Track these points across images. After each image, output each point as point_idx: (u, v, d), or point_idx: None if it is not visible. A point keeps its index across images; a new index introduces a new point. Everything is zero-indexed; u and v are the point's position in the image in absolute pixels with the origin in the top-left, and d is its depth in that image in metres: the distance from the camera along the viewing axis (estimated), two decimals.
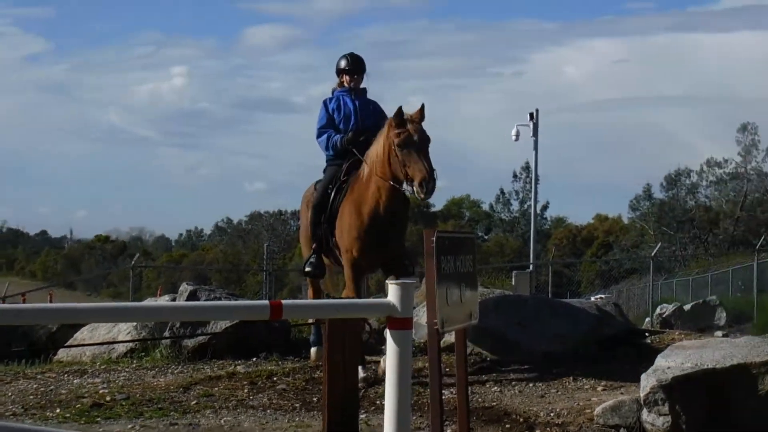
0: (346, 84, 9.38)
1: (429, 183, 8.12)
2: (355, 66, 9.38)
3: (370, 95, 9.54)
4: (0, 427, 4.58)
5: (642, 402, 6.92)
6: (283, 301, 4.73)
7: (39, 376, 9.22)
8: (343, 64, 9.40)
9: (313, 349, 9.72)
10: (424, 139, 8.33)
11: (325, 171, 9.45)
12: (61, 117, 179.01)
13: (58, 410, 7.69)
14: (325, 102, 9.41)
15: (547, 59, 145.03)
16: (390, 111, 9.53)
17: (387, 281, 5.08)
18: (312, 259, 9.31)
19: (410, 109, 8.51)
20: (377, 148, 8.62)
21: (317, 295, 10.02)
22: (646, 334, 10.65)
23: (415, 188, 8.18)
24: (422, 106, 8.50)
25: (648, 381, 6.91)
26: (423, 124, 8.44)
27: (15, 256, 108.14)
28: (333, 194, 9.08)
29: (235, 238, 76.62)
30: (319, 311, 5.53)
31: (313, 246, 9.27)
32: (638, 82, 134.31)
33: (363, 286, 9.26)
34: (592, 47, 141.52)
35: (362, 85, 9.46)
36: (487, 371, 9.22)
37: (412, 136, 8.26)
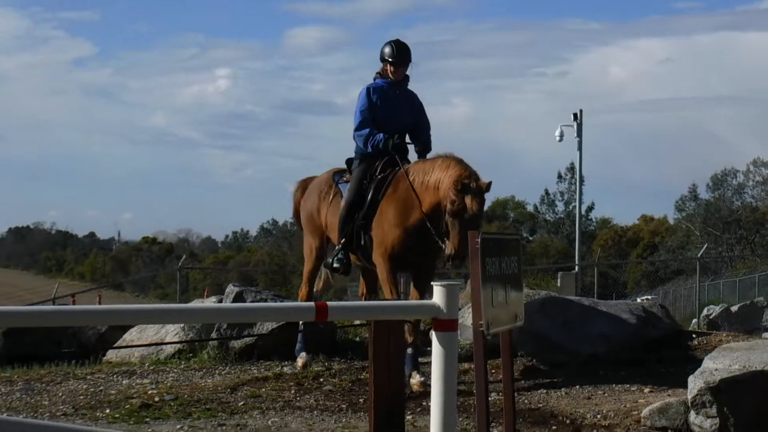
0: (390, 74, 9.23)
1: (455, 260, 8.20)
2: (400, 57, 9.18)
3: (412, 87, 9.43)
4: (52, 427, 4.65)
5: (689, 404, 6.87)
6: (329, 303, 4.76)
7: (89, 377, 9.34)
8: (387, 51, 9.21)
9: (301, 355, 9.64)
10: (475, 218, 8.11)
11: (353, 166, 9.30)
12: (107, 120, 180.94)
13: (107, 410, 7.79)
14: (369, 89, 9.22)
15: (593, 59, 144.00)
16: (430, 108, 9.46)
17: (432, 283, 5.08)
18: (340, 255, 9.17)
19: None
20: (429, 179, 8.48)
21: (369, 290, 10.01)
22: (693, 335, 10.55)
23: (444, 250, 8.29)
24: (489, 184, 8.24)
25: (695, 383, 6.86)
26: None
27: (64, 258, 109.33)
28: (371, 191, 8.97)
29: (280, 240, 76.88)
30: (364, 313, 5.55)
31: (342, 241, 9.12)
32: (684, 82, 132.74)
33: (396, 280, 9.15)
34: (638, 47, 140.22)
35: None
36: (533, 373, 9.20)
37: (465, 213, 8.10)
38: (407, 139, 9.31)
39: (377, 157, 9.11)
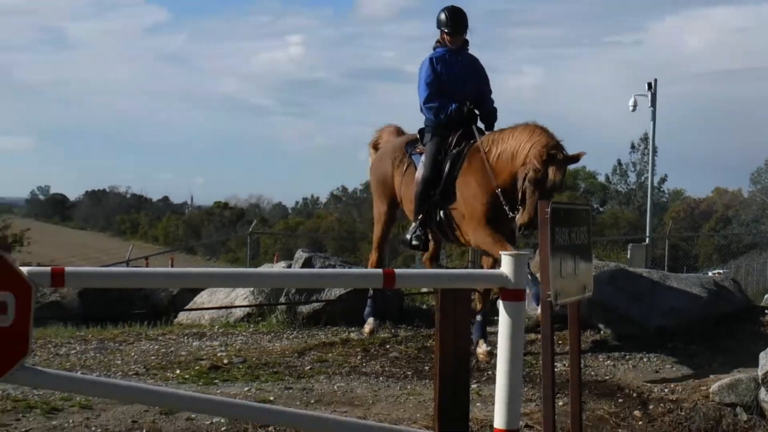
0: (449, 43, 9.10)
1: (527, 229, 8.09)
2: (455, 25, 9.06)
3: (474, 51, 9.33)
4: (124, 386, 4.75)
5: (760, 381, 6.79)
6: (396, 270, 4.77)
7: (160, 338, 9.51)
8: (442, 19, 9.09)
9: (369, 320, 9.67)
10: (555, 188, 8.03)
11: (425, 139, 9.20)
12: (180, 86, 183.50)
13: (177, 371, 7.92)
14: (431, 60, 9.09)
15: (667, 28, 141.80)
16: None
17: (501, 252, 5.06)
18: (418, 232, 9.12)
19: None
20: (506, 148, 8.39)
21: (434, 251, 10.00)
22: (766, 311, 10.37)
23: (515, 220, 8.19)
24: (580, 155, 8.12)
25: (767, 359, 6.76)
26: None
27: (138, 221, 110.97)
28: (447, 167, 8.90)
29: (350, 207, 77.20)
30: (432, 281, 5.56)
31: (419, 218, 9.07)
32: (759, 51, 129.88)
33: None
34: (714, 15, 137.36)
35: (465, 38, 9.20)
36: (601, 345, 9.14)
37: (546, 182, 7.97)
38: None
39: (450, 129, 9.02)
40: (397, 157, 9.56)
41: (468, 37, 9.25)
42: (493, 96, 9.38)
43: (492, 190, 8.49)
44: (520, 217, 8.12)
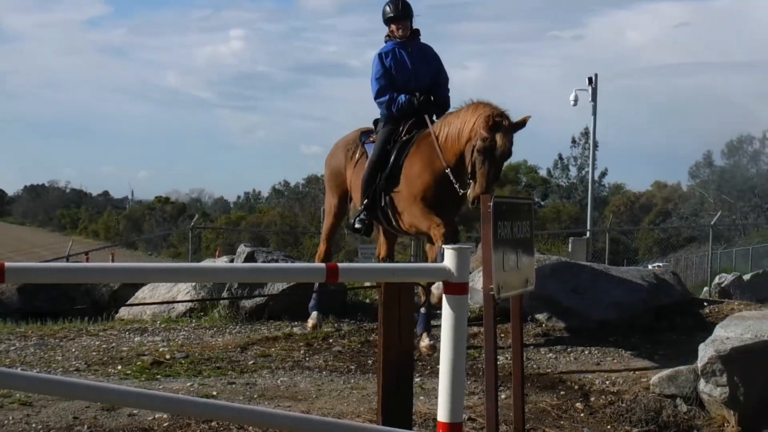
0: (395, 34, 9.15)
1: (480, 203, 8.05)
2: (401, 11, 9.12)
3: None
4: (64, 383, 4.69)
5: (699, 372, 6.89)
6: (340, 264, 4.76)
7: (101, 333, 9.40)
8: (388, 11, 9.16)
9: (312, 314, 9.67)
10: (504, 155, 8.06)
11: (378, 128, 9.25)
12: (121, 79, 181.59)
13: (119, 367, 7.85)
14: (380, 55, 9.14)
15: (608, 23, 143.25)
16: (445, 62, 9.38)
17: (443, 246, 5.08)
18: (362, 216, 9.13)
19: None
20: (452, 129, 8.43)
21: (388, 252, 10.04)
22: (705, 303, 10.54)
23: (468, 193, 8.14)
24: (525, 120, 8.13)
25: (706, 351, 6.87)
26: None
27: (78, 216, 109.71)
28: (394, 152, 8.93)
29: (292, 201, 76.92)
30: (374, 274, 5.56)
31: (365, 202, 9.07)
32: (700, 47, 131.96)
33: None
34: (654, 10, 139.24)
35: (414, 27, 9.22)
36: (543, 338, 9.22)
37: (495, 150, 7.99)
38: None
39: (402, 119, 9.07)
40: (350, 149, 9.59)
41: (416, 25, 9.28)
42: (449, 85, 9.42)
43: (440, 170, 8.52)
44: (472, 191, 8.07)
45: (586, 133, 60.76)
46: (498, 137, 7.98)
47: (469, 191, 8.14)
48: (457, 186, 8.36)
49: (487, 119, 7.97)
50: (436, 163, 8.56)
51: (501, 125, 8.00)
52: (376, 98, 9.15)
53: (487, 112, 8.07)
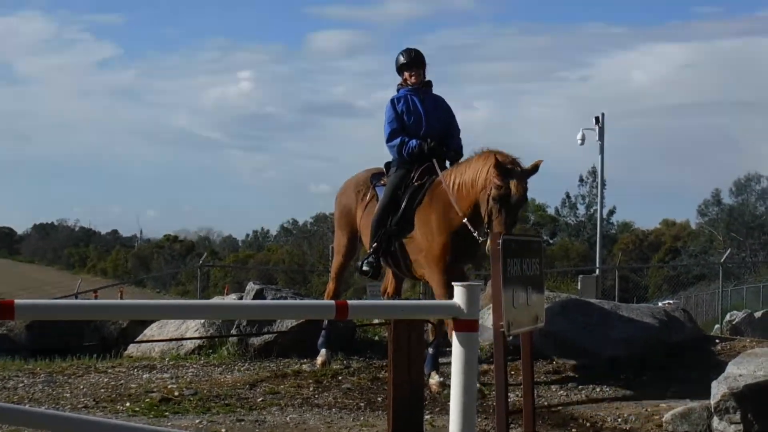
0: (409, 81, 9.24)
1: None
2: (414, 60, 9.23)
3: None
4: (73, 420, 4.67)
5: (712, 409, 6.82)
6: (349, 302, 4.76)
7: (110, 370, 9.38)
8: (402, 59, 9.27)
9: (321, 352, 9.62)
10: (520, 202, 8.08)
11: (390, 172, 9.27)
12: (131, 120, 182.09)
13: (128, 404, 7.81)
14: (393, 101, 9.23)
15: (614, 63, 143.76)
16: (457, 111, 9.44)
17: (453, 284, 5.06)
18: (371, 259, 9.14)
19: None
20: (465, 179, 8.43)
21: (396, 290, 10.03)
22: (716, 341, 10.48)
23: (485, 245, 8.03)
24: (537, 164, 8.18)
25: (719, 388, 6.81)
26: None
27: (87, 254, 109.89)
28: (406, 198, 8.92)
29: (300, 240, 76.93)
30: (384, 311, 5.55)
31: (374, 246, 9.07)
32: (706, 87, 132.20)
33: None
34: (660, 52, 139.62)
35: (426, 78, 9.33)
36: (553, 375, 9.17)
37: (510, 197, 8.00)
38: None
39: (414, 164, 9.08)
40: (361, 190, 9.62)
41: (429, 76, 9.39)
42: (461, 135, 9.47)
43: (456, 225, 8.52)
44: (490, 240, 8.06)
45: (593, 172, 60.83)
46: (512, 184, 7.99)
47: (488, 240, 8.12)
48: (476, 234, 8.37)
49: (498, 166, 7.98)
50: (452, 215, 8.57)
51: (514, 172, 8.03)
52: (387, 142, 9.20)
53: (499, 160, 8.09)
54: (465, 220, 8.44)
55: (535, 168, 8.17)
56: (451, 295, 8.29)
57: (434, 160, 8.95)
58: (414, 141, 9.03)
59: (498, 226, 7.96)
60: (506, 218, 7.99)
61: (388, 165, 9.40)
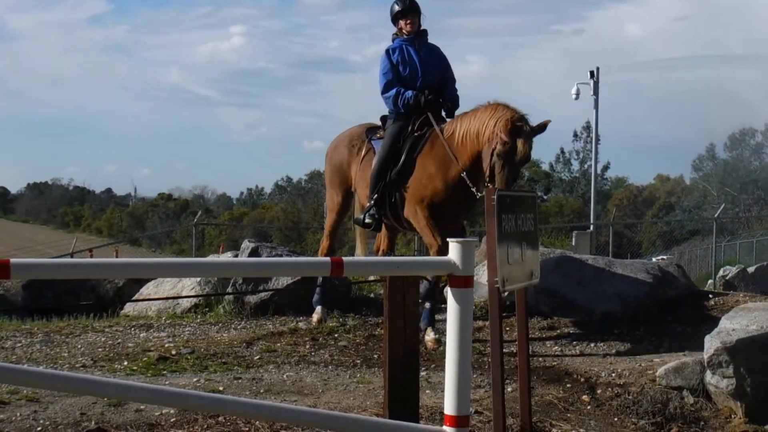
0: (404, 30, 9.15)
1: None
2: (409, 7, 9.12)
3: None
4: (71, 379, 4.69)
5: (706, 364, 6.88)
6: (344, 258, 4.77)
7: (107, 330, 9.41)
8: (396, 7, 9.16)
9: (317, 309, 9.67)
10: (524, 160, 8.09)
11: (387, 124, 9.22)
12: (123, 76, 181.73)
13: (125, 363, 7.86)
14: (387, 51, 9.14)
15: (608, 16, 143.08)
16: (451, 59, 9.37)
17: (448, 239, 5.07)
18: (372, 211, 9.11)
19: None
20: (470, 129, 8.39)
21: (389, 246, 10.03)
22: (709, 296, 10.53)
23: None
24: (546, 124, 8.16)
25: (712, 343, 6.87)
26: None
27: (81, 213, 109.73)
28: (406, 148, 8.90)
29: (294, 197, 76.90)
30: (379, 268, 5.56)
31: (374, 198, 9.06)
32: (701, 40, 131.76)
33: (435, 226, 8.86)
34: (654, 4, 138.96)
35: (422, 28, 9.24)
36: (548, 331, 9.22)
37: (515, 154, 7.99)
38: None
39: (412, 115, 9.04)
40: (355, 145, 9.55)
41: (423, 25, 9.29)
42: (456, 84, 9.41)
43: (455, 176, 8.51)
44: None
45: (587, 127, 60.80)
46: (519, 142, 7.98)
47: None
48: (474, 190, 8.37)
49: (507, 123, 7.96)
50: (451, 166, 8.55)
51: (522, 130, 8.01)
52: (382, 93, 9.13)
53: (507, 116, 8.07)
54: (464, 174, 8.43)
55: (542, 127, 8.16)
56: (443, 240, 8.37)
57: (429, 114, 8.91)
58: (410, 92, 8.98)
59: (500, 182, 7.96)
60: (508, 175, 7.99)
61: (384, 118, 9.34)
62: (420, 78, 9.08)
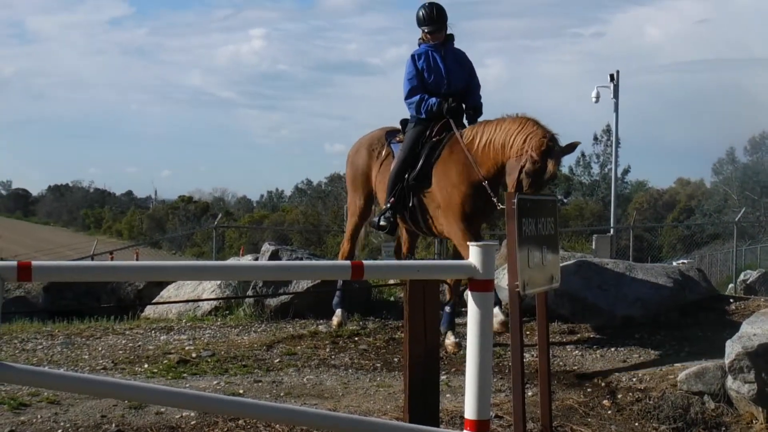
0: (429, 40, 9.12)
1: None
2: (434, 21, 9.06)
3: None
4: (92, 381, 4.71)
5: (726, 369, 6.84)
6: (365, 262, 4.76)
7: (127, 332, 9.44)
8: (421, 15, 9.11)
9: (336, 312, 9.66)
10: (551, 179, 8.07)
11: (407, 128, 9.18)
12: (144, 79, 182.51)
13: (146, 365, 7.88)
14: (413, 57, 9.10)
15: (628, 19, 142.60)
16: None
17: (468, 243, 5.06)
18: (387, 214, 9.09)
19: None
20: (495, 140, 8.33)
21: (409, 249, 10.02)
22: (731, 300, 10.47)
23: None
24: (575, 145, 8.13)
25: (733, 348, 6.82)
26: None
27: (102, 216, 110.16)
28: (425, 153, 8.87)
29: (315, 200, 76.94)
30: (399, 272, 5.56)
31: (390, 201, 9.03)
32: (722, 42, 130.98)
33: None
34: (675, 7, 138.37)
35: (448, 32, 9.18)
36: (569, 335, 9.19)
37: (544, 174, 7.94)
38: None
39: (432, 121, 9.02)
40: (375, 148, 9.55)
41: (450, 31, 9.24)
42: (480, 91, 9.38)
43: (475, 182, 8.49)
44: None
45: (608, 130, 60.59)
46: (550, 163, 7.93)
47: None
48: (495, 200, 8.33)
49: (541, 142, 7.91)
50: (472, 173, 8.52)
51: (553, 150, 7.96)
52: (406, 99, 9.11)
53: (540, 134, 8.01)
54: (485, 183, 8.40)
55: (572, 148, 8.13)
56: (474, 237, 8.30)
57: (450, 120, 8.88)
58: (434, 99, 8.95)
59: None
60: (534, 193, 7.91)
61: (404, 122, 9.33)
62: (445, 85, 9.05)
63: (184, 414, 6.19)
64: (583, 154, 68.63)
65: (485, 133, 8.48)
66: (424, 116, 9.01)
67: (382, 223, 9.15)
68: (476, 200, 8.54)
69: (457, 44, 9.30)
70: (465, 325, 4.92)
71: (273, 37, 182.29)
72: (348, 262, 4.80)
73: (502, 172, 8.27)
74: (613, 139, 32.89)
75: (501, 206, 8.24)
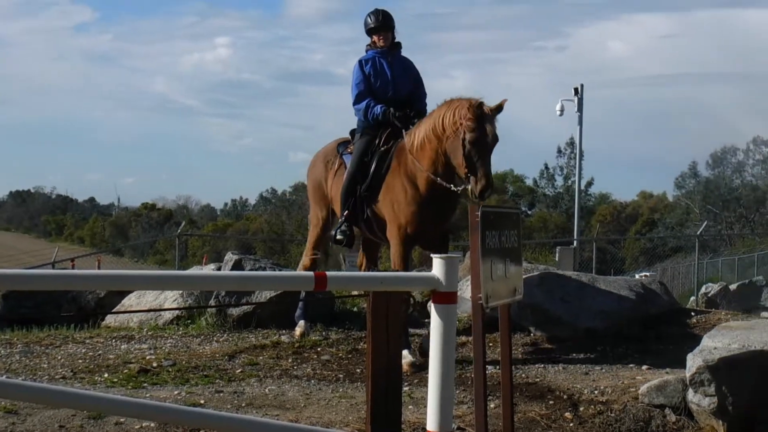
0: (377, 44, 9.19)
1: (488, 191, 7.94)
2: (382, 23, 9.15)
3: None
4: (50, 391, 4.65)
5: (688, 382, 6.88)
6: (328, 273, 4.75)
7: (87, 341, 9.35)
8: (369, 21, 9.19)
9: (299, 323, 9.64)
10: (494, 142, 8.00)
11: (356, 138, 9.21)
12: (109, 86, 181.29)
13: (106, 375, 7.80)
14: (360, 63, 9.16)
15: (592, 33, 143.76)
16: (430, 81, 9.38)
17: (432, 255, 5.06)
18: (344, 227, 9.08)
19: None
20: (426, 131, 8.35)
21: (369, 261, 10.01)
22: (692, 313, 10.55)
23: (471, 190, 7.93)
24: (503, 103, 8.08)
25: (694, 361, 6.86)
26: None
27: (64, 222, 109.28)
28: (374, 164, 8.89)
29: (279, 209, 76.70)
30: (363, 283, 5.54)
31: (345, 214, 9.03)
32: (685, 58, 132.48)
33: (409, 262, 9.07)
34: (639, 22, 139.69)
35: (396, 40, 9.26)
36: (531, 347, 9.21)
37: (486, 137, 7.92)
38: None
39: (379, 129, 9.04)
40: (330, 161, 9.58)
41: (398, 39, 9.32)
42: (427, 99, 9.41)
43: (426, 184, 8.43)
44: (476, 184, 7.92)
45: (571, 143, 60.89)
46: (487, 126, 7.95)
47: (470, 186, 7.98)
48: (451, 186, 8.29)
49: (469, 109, 7.93)
50: (418, 176, 8.50)
51: (484, 114, 7.98)
52: (354, 104, 9.17)
53: (465, 104, 8.04)
54: (434, 177, 8.36)
55: (500, 107, 8.09)
56: (406, 268, 8.32)
57: (397, 124, 8.88)
58: (379, 107, 8.98)
59: (482, 168, 7.90)
60: (486, 160, 7.94)
61: (353, 132, 9.36)
62: (391, 90, 9.12)
63: (144, 424, 6.12)
64: (546, 167, 69.09)
65: (419, 130, 8.51)
66: (371, 122, 9.05)
67: (338, 237, 9.17)
68: (430, 207, 8.50)
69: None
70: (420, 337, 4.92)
71: (238, 45, 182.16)
72: (311, 273, 4.78)
73: (450, 161, 8.23)
74: (577, 151, 33.23)
75: (458, 188, 8.21)
